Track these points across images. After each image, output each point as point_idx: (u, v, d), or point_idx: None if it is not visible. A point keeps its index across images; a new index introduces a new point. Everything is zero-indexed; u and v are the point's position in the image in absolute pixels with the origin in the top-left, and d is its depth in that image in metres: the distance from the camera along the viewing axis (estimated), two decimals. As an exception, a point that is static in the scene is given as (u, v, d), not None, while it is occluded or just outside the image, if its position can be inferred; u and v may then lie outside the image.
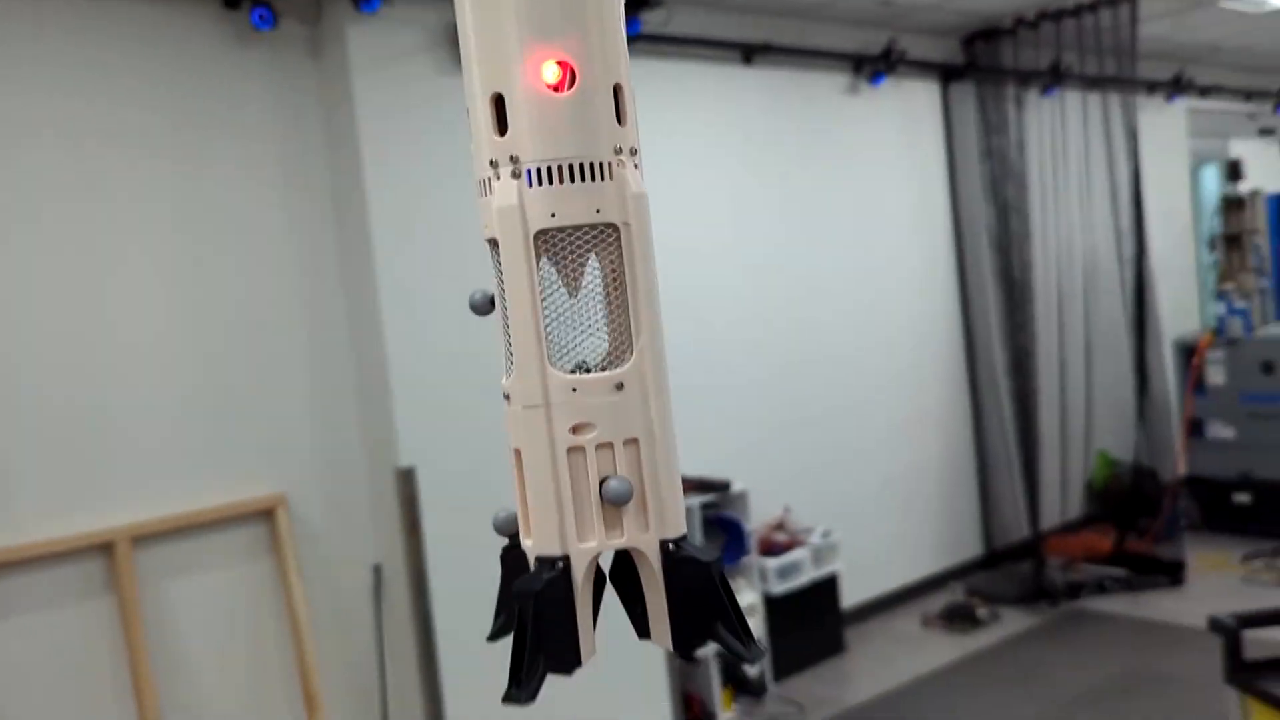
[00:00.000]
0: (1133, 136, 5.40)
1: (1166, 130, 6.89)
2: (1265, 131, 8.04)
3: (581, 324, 0.73)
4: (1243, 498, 5.73)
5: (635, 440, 0.72)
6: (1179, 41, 6.48)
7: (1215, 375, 5.80)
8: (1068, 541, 5.53)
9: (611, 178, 0.72)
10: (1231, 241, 5.94)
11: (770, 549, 4.39)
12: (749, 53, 4.65)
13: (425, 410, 3.21)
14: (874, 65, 5.10)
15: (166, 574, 2.91)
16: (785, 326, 4.79)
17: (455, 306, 3.25)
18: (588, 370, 0.72)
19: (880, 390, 5.16)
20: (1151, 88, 6.68)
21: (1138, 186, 5.37)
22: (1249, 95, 7.57)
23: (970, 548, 5.57)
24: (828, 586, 4.57)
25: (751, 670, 4.18)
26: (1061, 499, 5.71)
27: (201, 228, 3.02)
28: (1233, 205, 5.96)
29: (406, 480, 3.16)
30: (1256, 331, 5.73)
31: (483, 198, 0.71)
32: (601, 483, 0.70)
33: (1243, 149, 7.63)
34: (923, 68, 5.40)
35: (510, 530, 0.78)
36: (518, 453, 0.73)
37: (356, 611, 3.26)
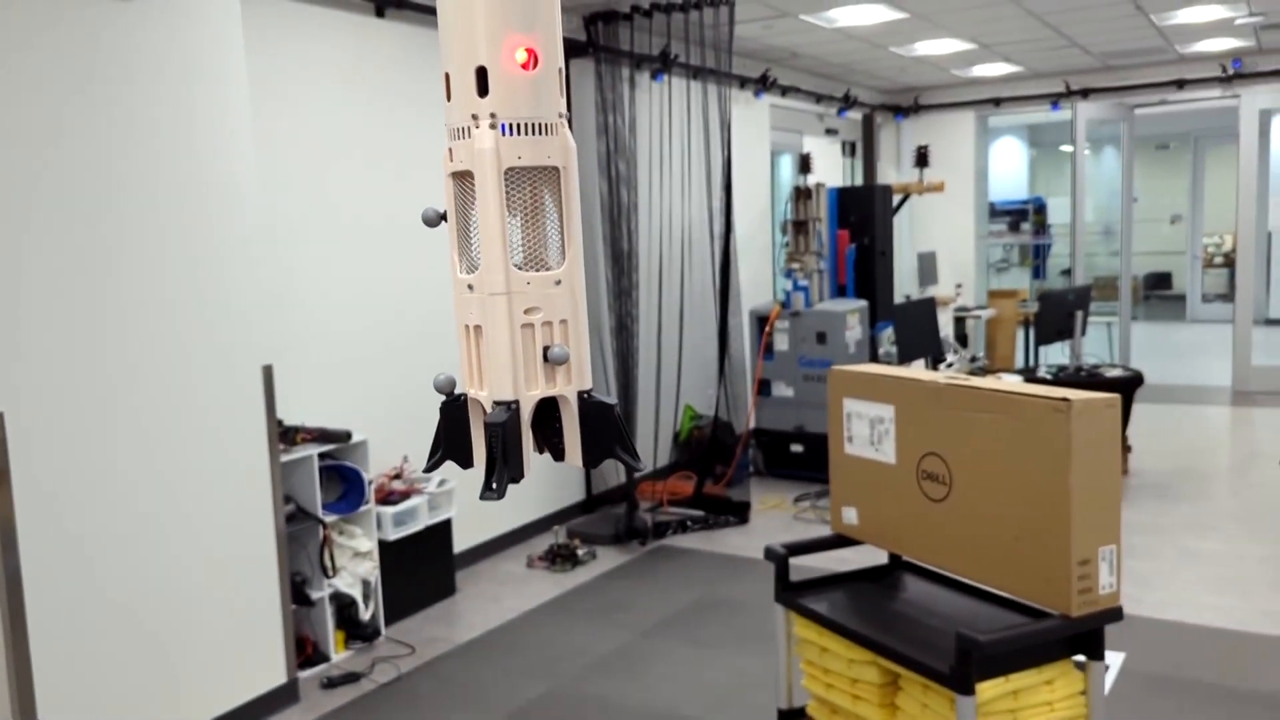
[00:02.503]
0: (726, 127, 6.05)
1: (753, 123, 7.75)
2: (830, 131, 9.27)
3: (513, 236, 1.00)
4: (797, 448, 6.69)
5: (565, 320, 1.00)
6: (767, 43, 7.31)
7: (781, 342, 6.69)
8: (656, 486, 6.16)
9: (556, 134, 1.00)
10: (799, 227, 6.84)
11: (388, 497, 4.51)
12: (381, 6, 4.66)
13: (16, 351, 2.97)
14: (503, 33, 5.28)
15: None
16: (406, 279, 4.89)
17: (52, 235, 3.03)
18: (515, 267, 0.97)
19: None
20: (743, 83, 7.48)
21: (728, 172, 6.04)
22: (819, 98, 8.69)
23: (572, 493, 6.03)
24: (441, 531, 4.78)
25: (364, 613, 4.29)
26: (654, 448, 6.34)
27: None
28: (802, 195, 6.86)
29: (-4, 429, 2.92)
30: (815, 306, 6.69)
31: (458, 140, 0.96)
32: (545, 349, 0.92)
33: (812, 145, 8.76)
34: (548, 40, 5.66)
35: (448, 389, 0.99)
36: (478, 328, 0.98)
37: (-71, 572, 2.97)
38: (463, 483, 4.99)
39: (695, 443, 6.60)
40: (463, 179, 0.98)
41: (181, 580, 3.45)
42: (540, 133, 0.98)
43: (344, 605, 4.28)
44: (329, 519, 4.15)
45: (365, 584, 4.29)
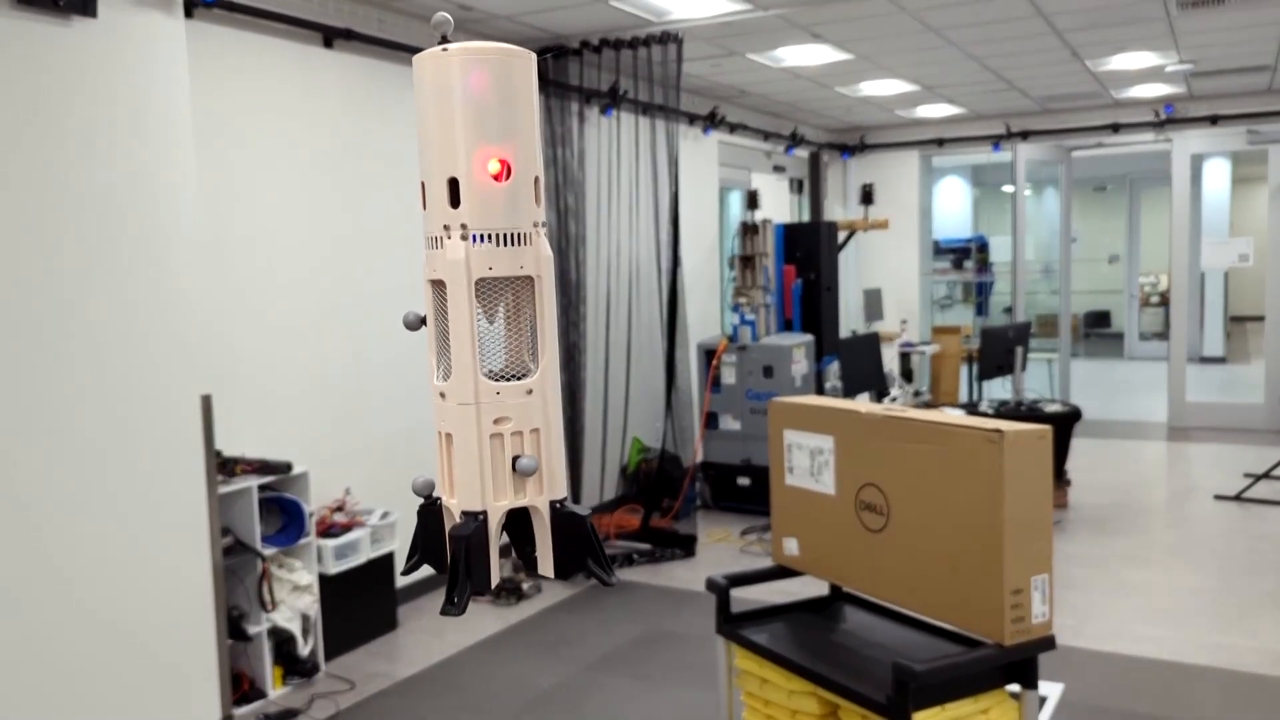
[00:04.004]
0: (674, 163, 6.11)
1: (702, 159, 7.83)
2: (778, 169, 9.40)
3: (494, 343, 0.98)
4: (744, 480, 6.72)
5: (537, 430, 0.98)
6: (715, 81, 7.41)
7: (728, 375, 6.74)
8: (603, 519, 6.14)
9: (531, 244, 0.98)
10: (746, 261, 6.92)
11: (329, 530, 4.45)
12: (329, 37, 4.66)
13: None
14: (452, 66, 5.31)
15: None
16: (351, 311, 4.86)
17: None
18: (493, 374, 0.95)
19: (443, 377, 5.39)
20: (691, 119, 7.57)
21: (676, 207, 6.10)
22: (767, 136, 8.82)
23: (518, 526, 5.98)
24: (383, 565, 4.72)
25: (303, 649, 4.21)
26: (601, 481, 6.33)
27: None
28: (749, 230, 6.94)
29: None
30: (761, 340, 6.74)
31: (433, 249, 0.95)
32: (515, 460, 0.90)
33: (760, 182, 8.88)
34: (497, 74, 5.70)
35: (427, 492, 0.98)
36: (449, 436, 0.97)
37: None
38: (405, 515, 4.94)
39: (642, 475, 6.60)
40: (439, 287, 0.98)
41: (114, 614, 3.36)
42: (513, 243, 0.97)
43: (282, 640, 4.20)
44: (268, 552, 4.08)
45: (304, 618, 4.22)
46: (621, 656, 4.44)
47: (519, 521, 1.01)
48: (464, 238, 0.96)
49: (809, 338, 6.86)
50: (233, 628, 3.92)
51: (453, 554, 0.98)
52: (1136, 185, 15.28)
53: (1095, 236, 15.98)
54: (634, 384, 6.32)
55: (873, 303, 9.91)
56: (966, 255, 11.58)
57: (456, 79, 0.96)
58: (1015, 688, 2.38)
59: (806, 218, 9.94)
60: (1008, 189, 14.79)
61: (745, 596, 2.85)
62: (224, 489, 3.86)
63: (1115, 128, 9.28)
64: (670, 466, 6.36)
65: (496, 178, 0.96)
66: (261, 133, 4.40)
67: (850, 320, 9.87)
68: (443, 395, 0.99)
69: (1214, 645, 4.36)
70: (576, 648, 4.54)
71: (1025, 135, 9.59)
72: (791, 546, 2.83)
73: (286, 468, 4.13)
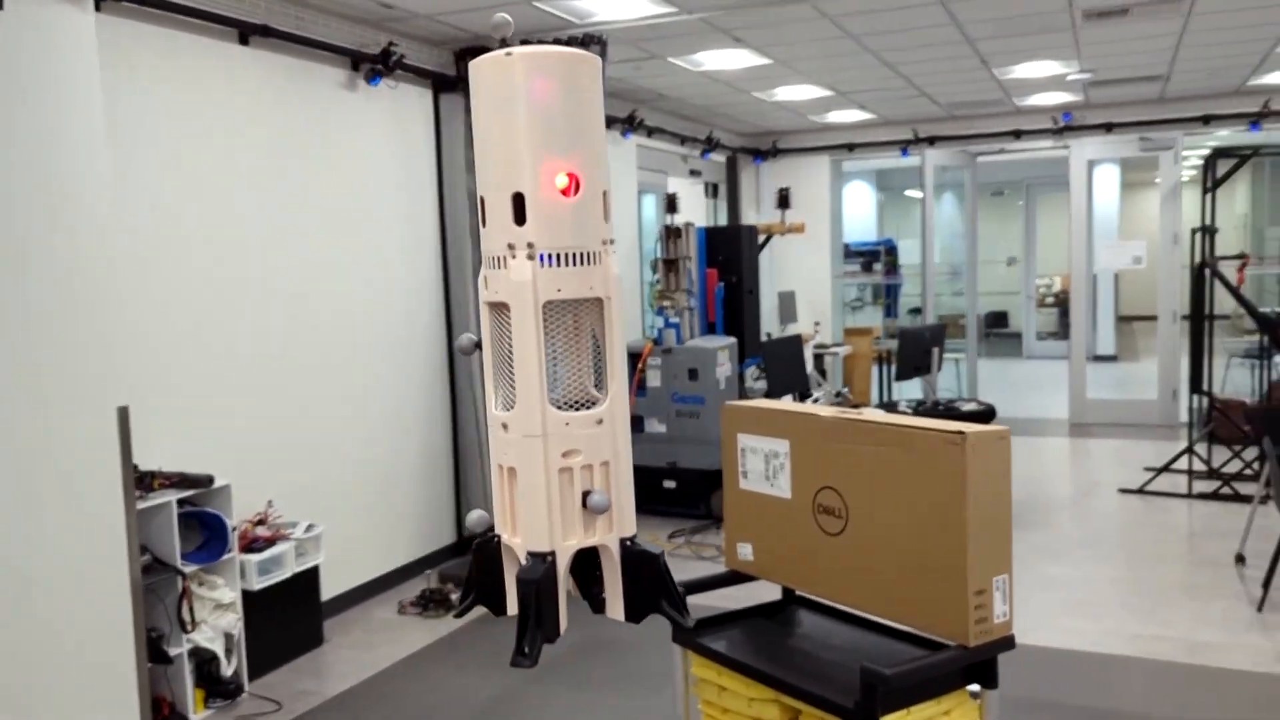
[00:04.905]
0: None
1: (621, 161, 7.80)
2: (694, 173, 9.44)
3: (554, 369, 0.83)
4: (670, 483, 6.71)
5: (607, 462, 0.85)
6: (634, 84, 7.40)
7: (653, 379, 6.72)
8: (529, 526, 6.05)
9: (600, 263, 0.91)
10: (670, 265, 6.92)
11: (252, 544, 4.28)
12: (245, 33, 4.49)
13: None
14: (372, 65, 5.17)
15: None
16: (271, 321, 4.69)
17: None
18: (555, 403, 0.82)
19: (365, 387, 5.25)
20: (610, 122, 7.54)
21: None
22: (683, 140, 8.84)
23: (444, 535, 5.87)
24: (308, 579, 4.56)
25: (226, 669, 4.04)
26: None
27: None
28: (672, 234, 6.94)
29: None
30: (686, 343, 6.75)
31: (495, 269, 0.80)
32: (585, 495, 0.80)
33: (676, 186, 8.90)
34: (418, 74, 5.59)
35: (483, 528, 0.90)
36: (512, 470, 0.87)
37: None
38: (330, 527, 4.79)
39: (567, 481, 6.54)
40: (499, 310, 0.90)
41: (25, 637, 3.16)
42: (582, 262, 0.89)
43: (204, 661, 4.03)
44: (189, 569, 3.90)
45: (227, 637, 4.05)
46: (560, 667, 4.37)
47: (582, 559, 0.94)
48: (530, 257, 0.88)
49: (733, 340, 6.89)
50: (152, 650, 3.74)
51: (521, 599, 0.90)
52: (1033, 190, 15.81)
53: (993, 240, 16.47)
54: (559, 389, 6.26)
55: (787, 305, 10.02)
56: (876, 258, 11.82)
57: (520, 85, 0.88)
58: (975, 688, 2.40)
59: (720, 221, 10.00)
60: (911, 193, 15.17)
61: (690, 602, 2.82)
62: (142, 504, 3.68)
63: (1017, 134, 9.57)
64: (596, 471, 6.30)
65: (565, 192, 0.89)
66: (178, 132, 4.21)
67: (765, 322, 9.96)
68: (505, 426, 0.91)
69: (1132, 635, 4.51)
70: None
71: (933, 141, 9.82)
72: (746, 551, 2.82)
73: (208, 481, 3.96)
